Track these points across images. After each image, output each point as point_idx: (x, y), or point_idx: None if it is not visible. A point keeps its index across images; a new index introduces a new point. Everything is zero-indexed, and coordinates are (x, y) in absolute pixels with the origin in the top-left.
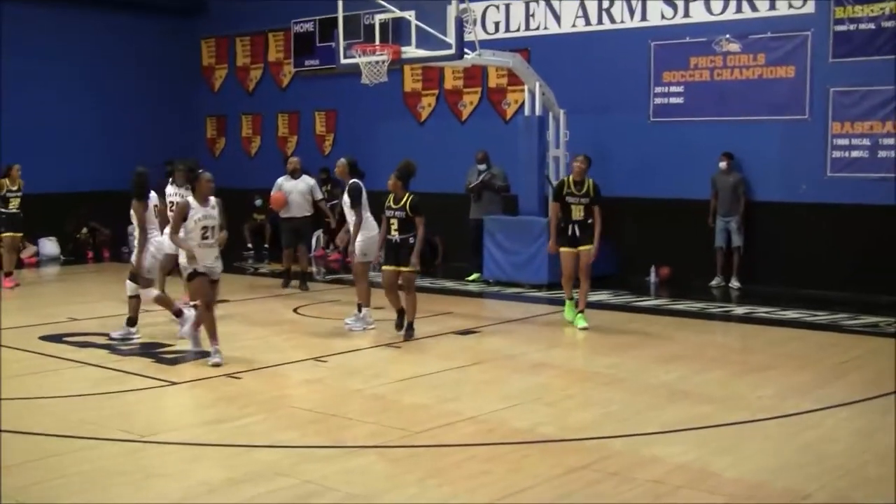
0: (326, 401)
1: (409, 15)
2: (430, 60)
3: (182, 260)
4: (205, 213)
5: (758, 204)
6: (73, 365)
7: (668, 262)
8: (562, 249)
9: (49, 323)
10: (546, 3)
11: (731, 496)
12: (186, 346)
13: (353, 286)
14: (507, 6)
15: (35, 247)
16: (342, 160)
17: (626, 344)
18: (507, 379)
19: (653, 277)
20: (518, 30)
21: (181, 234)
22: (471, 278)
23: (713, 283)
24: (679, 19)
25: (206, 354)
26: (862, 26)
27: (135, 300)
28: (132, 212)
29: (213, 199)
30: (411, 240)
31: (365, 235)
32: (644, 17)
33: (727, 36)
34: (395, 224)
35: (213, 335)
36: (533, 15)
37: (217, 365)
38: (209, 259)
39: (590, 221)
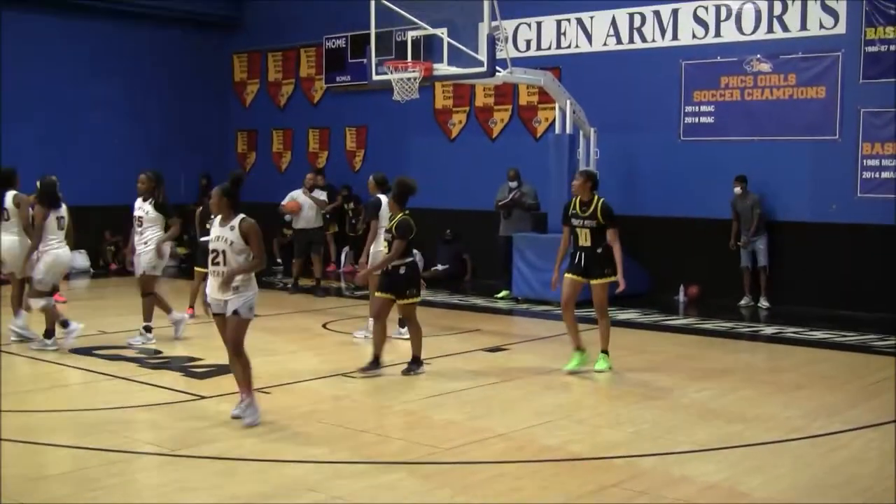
0: (356, 416)
1: (441, 32)
2: (461, 78)
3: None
4: (218, 232)
5: (788, 224)
6: (103, 378)
7: (696, 281)
8: (565, 275)
9: (79, 336)
10: (577, 21)
11: None
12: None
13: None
14: (539, 24)
15: None
16: (371, 177)
17: (656, 363)
18: (536, 396)
19: (681, 296)
20: (549, 48)
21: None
22: (500, 295)
23: (742, 302)
24: (710, 39)
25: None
26: (893, 47)
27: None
28: (31, 215)
29: (237, 218)
30: (402, 269)
31: (376, 248)
32: (675, 37)
33: (758, 56)
34: (386, 249)
35: (241, 384)
36: (564, 33)
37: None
38: (212, 289)
39: (599, 251)
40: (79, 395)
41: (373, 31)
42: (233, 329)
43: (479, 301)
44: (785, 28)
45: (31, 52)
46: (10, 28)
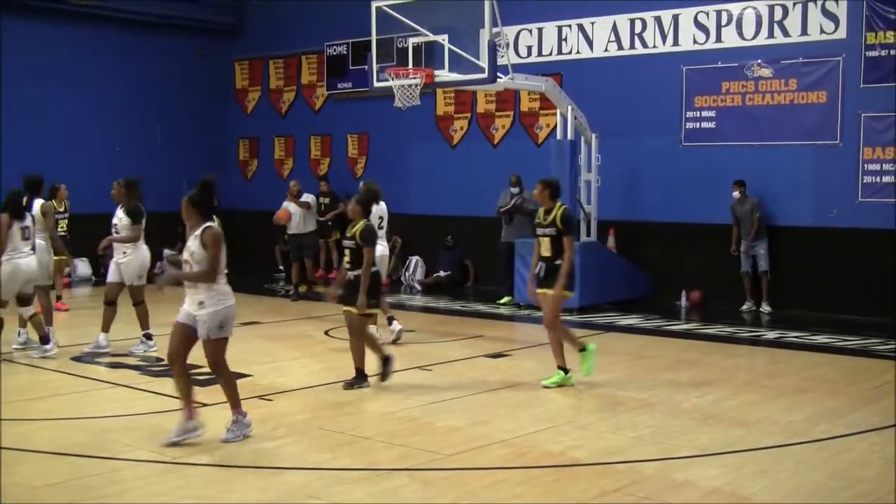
0: (357, 423)
1: (442, 39)
2: (462, 84)
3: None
4: (188, 242)
5: (789, 229)
6: (104, 386)
7: (698, 286)
8: (536, 290)
9: (81, 344)
10: (578, 27)
11: None
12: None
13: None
14: (540, 30)
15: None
16: (361, 184)
17: (657, 368)
18: (538, 402)
19: (683, 301)
20: (550, 54)
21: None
22: (502, 301)
23: (744, 307)
24: (711, 44)
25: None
26: (893, 52)
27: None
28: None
29: (203, 226)
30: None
31: None
32: (676, 42)
33: (759, 61)
34: (347, 256)
35: (183, 397)
36: (565, 39)
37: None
38: (188, 302)
39: (558, 262)
40: (80, 403)
41: (374, 37)
42: (208, 353)
43: (481, 307)
44: (786, 33)
45: (32, 59)
46: (11, 35)
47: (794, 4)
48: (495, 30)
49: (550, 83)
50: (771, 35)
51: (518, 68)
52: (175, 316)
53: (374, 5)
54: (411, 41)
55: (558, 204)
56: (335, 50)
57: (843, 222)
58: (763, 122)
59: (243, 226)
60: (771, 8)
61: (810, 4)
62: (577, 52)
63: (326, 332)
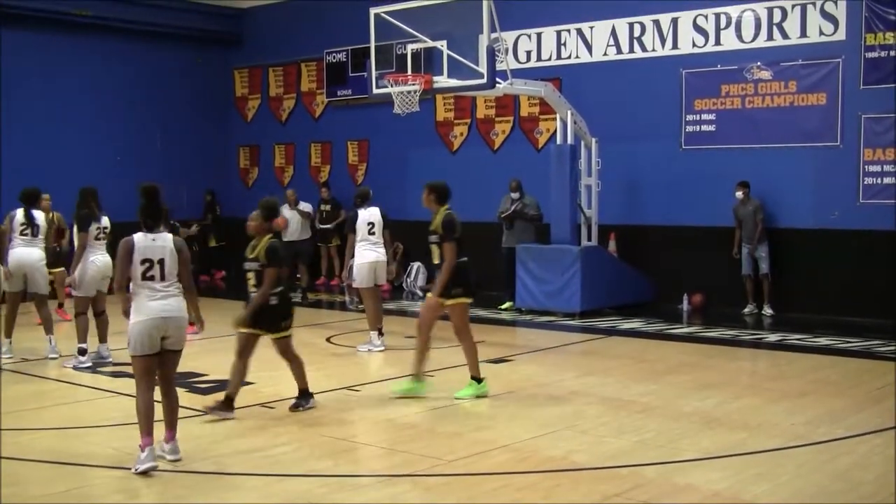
0: (359, 430)
1: (441, 45)
2: (462, 90)
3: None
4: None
5: (790, 231)
6: (106, 395)
7: (700, 289)
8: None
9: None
10: (577, 31)
11: None
12: None
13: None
14: (539, 35)
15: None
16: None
17: (659, 371)
18: (540, 407)
19: (685, 305)
20: (549, 58)
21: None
22: (503, 307)
23: (746, 310)
24: (710, 47)
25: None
26: (893, 53)
27: None
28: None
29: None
30: (273, 300)
31: (356, 262)
32: (675, 46)
33: (758, 63)
34: (251, 279)
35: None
36: (564, 44)
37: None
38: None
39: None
40: (82, 412)
41: (372, 44)
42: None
43: (483, 312)
44: (785, 35)
45: (32, 69)
46: (11, 45)
47: (793, 6)
48: (494, 35)
49: (550, 88)
50: (770, 37)
51: (517, 73)
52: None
53: (372, 12)
54: (410, 48)
55: (442, 209)
56: (334, 57)
57: (844, 224)
58: (763, 125)
59: (243, 233)
60: (770, 10)
61: (809, 6)
62: (577, 57)
63: (328, 340)
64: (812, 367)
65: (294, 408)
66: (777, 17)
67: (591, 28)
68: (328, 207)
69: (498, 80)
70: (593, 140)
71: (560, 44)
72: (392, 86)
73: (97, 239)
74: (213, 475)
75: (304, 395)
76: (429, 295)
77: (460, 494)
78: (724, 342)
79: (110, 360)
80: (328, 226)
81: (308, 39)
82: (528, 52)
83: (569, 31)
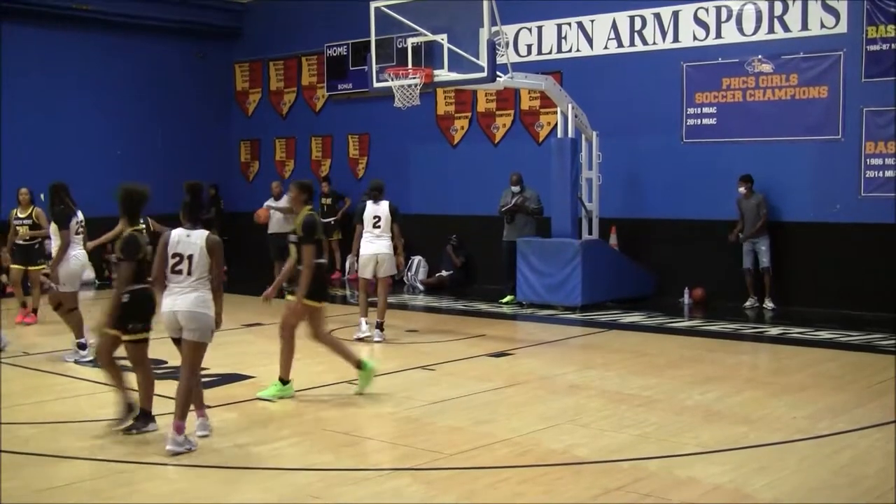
0: (360, 423)
1: (442, 38)
2: (462, 83)
3: None
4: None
5: (791, 224)
6: (107, 389)
7: (701, 283)
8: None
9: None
10: (578, 25)
11: None
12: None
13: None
14: (540, 28)
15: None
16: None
17: (660, 365)
18: (541, 401)
19: (686, 299)
20: (550, 52)
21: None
22: (504, 300)
23: (747, 304)
24: (711, 40)
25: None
26: (894, 46)
27: None
28: None
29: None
30: (125, 297)
31: (362, 252)
32: (676, 39)
33: (759, 57)
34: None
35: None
36: (565, 37)
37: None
38: None
39: (300, 268)
40: (85, 405)
41: (373, 38)
42: None
43: (484, 306)
44: (786, 28)
45: (33, 64)
46: (12, 40)
47: None
48: (494, 29)
49: (550, 81)
50: (771, 30)
51: (518, 67)
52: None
53: (373, 6)
54: (410, 41)
55: (305, 209)
56: (335, 51)
57: (845, 217)
58: (764, 118)
59: (246, 227)
60: (771, 3)
61: None
62: (577, 50)
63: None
64: (813, 360)
65: (128, 431)
66: (778, 9)
67: (592, 21)
68: (329, 201)
69: (498, 73)
70: (594, 133)
71: (561, 37)
72: (392, 79)
73: (76, 234)
74: (215, 469)
75: (145, 416)
76: (290, 297)
77: (461, 488)
78: (725, 336)
79: (87, 358)
80: (329, 220)
81: (308, 33)
82: (529, 46)
83: (569, 24)
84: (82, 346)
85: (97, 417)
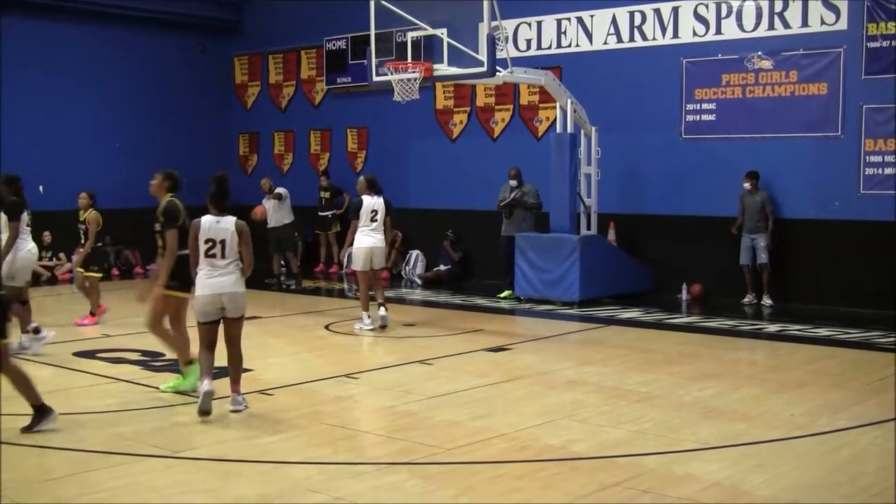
0: (358, 417)
1: (441, 32)
2: (461, 78)
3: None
4: None
5: (790, 221)
6: (106, 381)
7: (699, 279)
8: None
9: (82, 339)
10: (578, 20)
11: None
12: None
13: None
14: (539, 24)
15: (69, 263)
16: (361, 178)
17: (658, 361)
18: (539, 396)
19: (684, 295)
20: (550, 47)
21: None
22: (502, 295)
23: (745, 300)
24: (711, 36)
25: None
26: (894, 43)
27: None
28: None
29: None
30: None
31: (354, 246)
32: (676, 35)
33: (759, 53)
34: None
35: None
36: (565, 32)
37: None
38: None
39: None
40: (82, 397)
41: (372, 32)
42: None
43: (482, 301)
44: (786, 25)
45: (32, 57)
46: (11, 33)
47: None
48: (494, 23)
49: (550, 76)
50: (771, 27)
51: (517, 62)
52: None
53: None
54: (410, 35)
55: (167, 197)
56: (334, 45)
57: (844, 215)
58: (764, 115)
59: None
60: (771, 0)
61: None
62: (577, 46)
63: (327, 327)
64: (811, 357)
65: (27, 429)
66: (778, 6)
67: (592, 17)
68: (327, 195)
69: (498, 68)
70: (593, 129)
71: (560, 32)
72: (392, 73)
73: (28, 226)
74: (213, 461)
75: (40, 412)
76: (155, 287)
77: (459, 483)
78: (724, 332)
79: (30, 350)
80: (327, 213)
81: (308, 27)
82: (529, 41)
83: (569, 19)
84: (37, 330)
85: (93, 409)
